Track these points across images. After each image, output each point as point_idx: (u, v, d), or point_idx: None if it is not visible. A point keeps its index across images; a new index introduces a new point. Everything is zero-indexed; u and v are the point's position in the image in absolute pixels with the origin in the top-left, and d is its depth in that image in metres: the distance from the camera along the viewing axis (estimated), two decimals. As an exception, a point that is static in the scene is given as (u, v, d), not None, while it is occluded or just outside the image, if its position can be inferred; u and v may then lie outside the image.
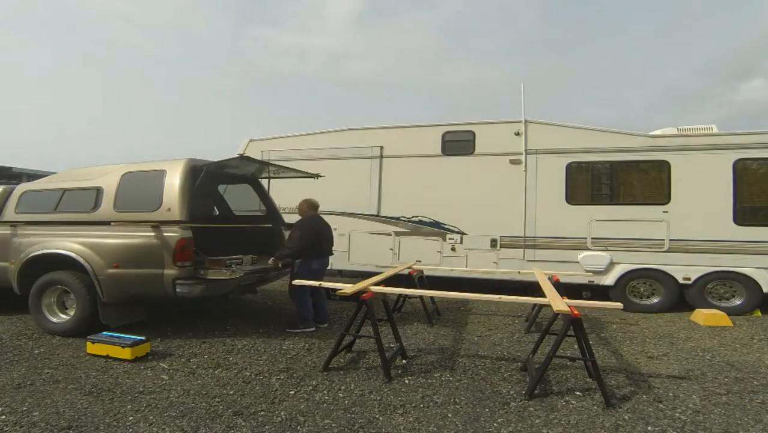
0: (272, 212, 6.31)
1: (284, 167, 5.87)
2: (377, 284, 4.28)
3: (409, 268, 5.90)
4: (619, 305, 3.60)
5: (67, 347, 4.40)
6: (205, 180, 4.86)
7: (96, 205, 4.95)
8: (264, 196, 6.39)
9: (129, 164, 5.13)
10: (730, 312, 6.08)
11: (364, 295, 3.89)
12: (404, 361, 4.15)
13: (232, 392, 3.38)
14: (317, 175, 6.11)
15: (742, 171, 6.26)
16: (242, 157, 4.87)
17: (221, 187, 6.58)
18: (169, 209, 4.59)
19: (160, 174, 4.79)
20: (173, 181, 4.70)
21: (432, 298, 5.93)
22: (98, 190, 5.02)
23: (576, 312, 3.33)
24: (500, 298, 3.81)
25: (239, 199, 6.66)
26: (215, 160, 5.05)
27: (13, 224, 5.28)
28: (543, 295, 4.00)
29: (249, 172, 6.05)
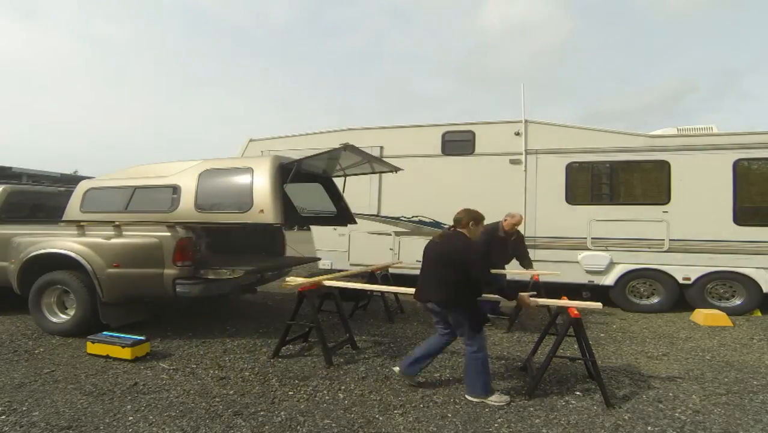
0: (343, 213, 5.84)
1: (376, 158, 5.36)
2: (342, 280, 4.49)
3: (374, 268, 5.87)
4: (598, 304, 3.38)
5: (67, 347, 4.40)
6: (293, 178, 4.47)
7: (173, 204, 4.67)
8: (337, 196, 5.92)
9: (205, 161, 4.82)
10: (730, 312, 6.08)
11: (301, 287, 4.08)
12: (353, 351, 4.36)
13: (232, 392, 3.38)
14: (397, 169, 5.82)
15: (742, 171, 6.26)
16: (347, 146, 4.24)
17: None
18: (261, 211, 4.27)
19: (247, 172, 4.46)
20: (262, 181, 4.35)
21: (396, 295, 5.98)
22: (175, 189, 4.71)
23: (576, 312, 3.33)
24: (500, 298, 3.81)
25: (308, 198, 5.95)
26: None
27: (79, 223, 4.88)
28: (542, 295, 4.00)
29: (339, 166, 5.50)
